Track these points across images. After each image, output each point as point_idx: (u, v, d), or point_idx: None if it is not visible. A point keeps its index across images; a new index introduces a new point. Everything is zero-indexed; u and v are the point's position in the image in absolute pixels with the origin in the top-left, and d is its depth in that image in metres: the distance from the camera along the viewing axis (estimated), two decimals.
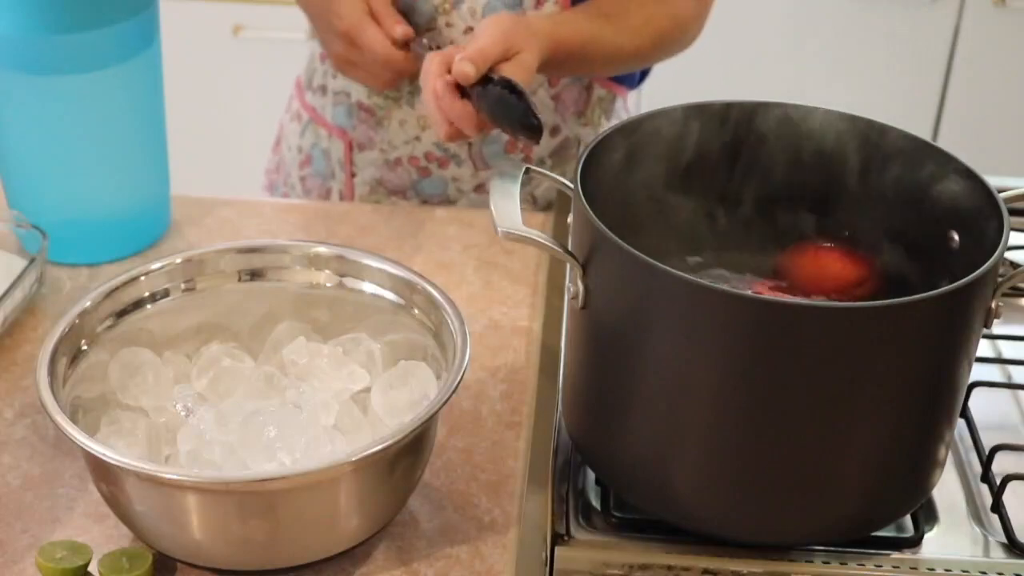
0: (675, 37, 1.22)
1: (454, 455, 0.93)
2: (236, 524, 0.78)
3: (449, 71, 1.01)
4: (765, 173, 0.91)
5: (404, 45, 1.13)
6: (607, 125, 1.31)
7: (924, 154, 0.85)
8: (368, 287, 0.94)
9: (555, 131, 1.28)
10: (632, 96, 1.34)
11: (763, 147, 0.90)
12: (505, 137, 1.25)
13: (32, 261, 1.05)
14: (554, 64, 1.11)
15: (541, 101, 1.25)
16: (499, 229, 0.78)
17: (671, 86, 2.24)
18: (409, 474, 0.83)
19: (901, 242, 0.88)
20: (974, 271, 0.73)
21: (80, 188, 1.12)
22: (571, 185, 0.81)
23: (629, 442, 0.81)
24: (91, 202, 1.13)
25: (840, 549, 0.82)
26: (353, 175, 1.32)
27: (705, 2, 1.23)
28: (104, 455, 0.76)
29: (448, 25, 1.19)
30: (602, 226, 0.76)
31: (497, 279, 1.12)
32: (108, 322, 0.90)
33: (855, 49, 2.33)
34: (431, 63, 1.02)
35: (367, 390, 0.90)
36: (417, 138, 1.26)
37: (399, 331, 0.92)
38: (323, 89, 1.32)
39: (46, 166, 1.10)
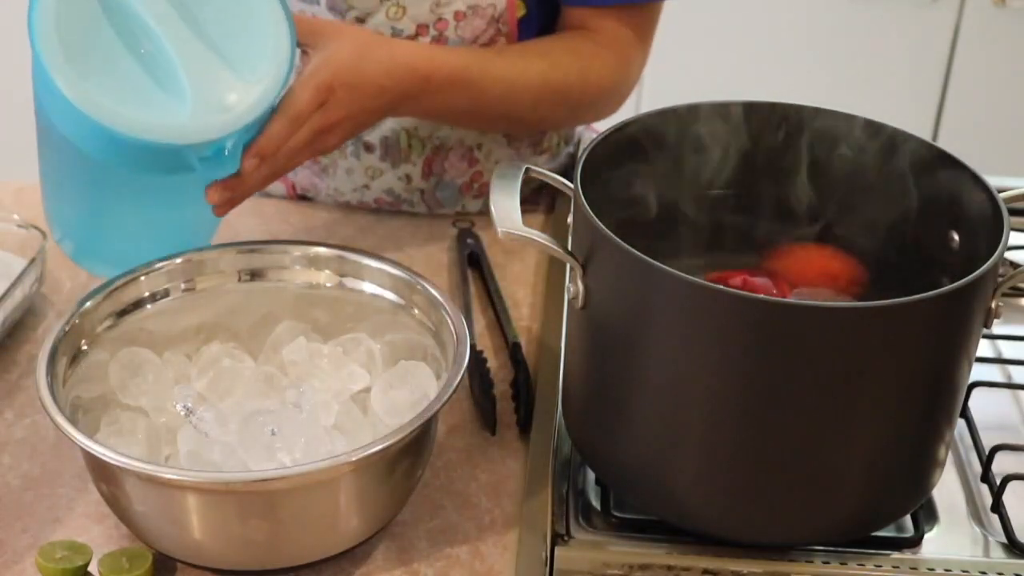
0: (583, 97, 1.13)
1: (454, 455, 0.93)
2: (236, 524, 0.78)
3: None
4: (764, 173, 0.91)
5: None
6: (566, 150, 1.29)
7: (924, 154, 0.85)
8: (368, 287, 0.94)
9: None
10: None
11: (762, 147, 0.90)
12: (460, 181, 1.23)
13: (32, 261, 1.05)
14: (429, 86, 1.03)
15: (493, 138, 1.21)
16: (499, 229, 0.78)
17: (671, 86, 2.24)
18: (409, 474, 0.83)
19: (901, 242, 0.88)
20: (974, 271, 0.73)
21: None
22: (571, 185, 0.81)
23: (629, 442, 0.81)
24: None
25: (840, 549, 0.82)
26: None
27: (625, 74, 1.15)
28: (104, 455, 0.76)
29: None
30: (602, 226, 0.76)
31: (497, 279, 1.12)
32: (108, 322, 0.90)
33: (855, 49, 2.33)
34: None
35: (367, 390, 0.90)
36: (366, 186, 1.23)
37: (399, 331, 0.92)
38: None
39: None
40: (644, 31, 1.16)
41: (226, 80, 0.85)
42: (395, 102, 1.03)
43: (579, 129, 1.31)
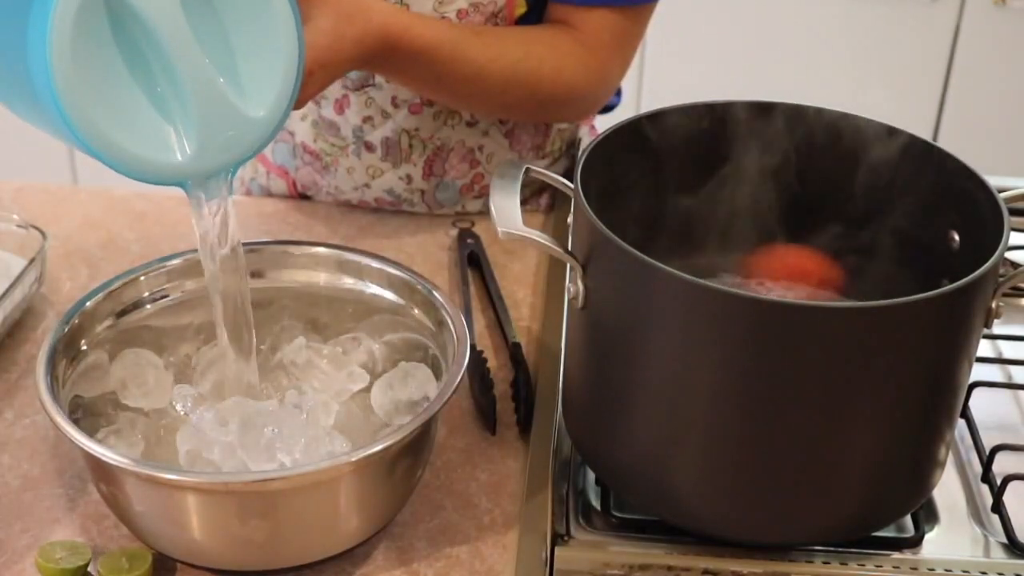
0: (553, 92, 1.11)
1: (454, 455, 0.93)
2: (236, 524, 0.78)
3: None
4: (765, 173, 0.91)
5: None
6: (568, 153, 1.28)
7: (924, 154, 0.85)
8: (368, 287, 0.94)
9: None
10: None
11: (763, 147, 0.90)
12: (461, 182, 1.23)
13: (32, 261, 1.05)
14: (395, 54, 1.01)
15: (495, 140, 1.21)
16: (499, 229, 0.78)
17: (671, 86, 2.24)
18: (409, 474, 0.83)
19: (901, 242, 0.88)
20: (974, 271, 0.73)
21: None
22: (571, 185, 0.81)
23: (629, 442, 0.81)
24: None
25: (840, 549, 0.82)
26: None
27: (601, 77, 1.13)
28: (104, 455, 0.76)
29: None
30: (602, 226, 0.76)
31: (497, 279, 1.12)
32: (108, 322, 0.90)
33: (855, 49, 2.33)
34: None
35: (367, 390, 0.90)
36: (367, 185, 1.23)
37: (399, 331, 0.92)
38: None
39: None
40: (628, 36, 1.14)
41: (233, 116, 0.79)
42: (363, 65, 1.02)
43: (580, 132, 1.31)
